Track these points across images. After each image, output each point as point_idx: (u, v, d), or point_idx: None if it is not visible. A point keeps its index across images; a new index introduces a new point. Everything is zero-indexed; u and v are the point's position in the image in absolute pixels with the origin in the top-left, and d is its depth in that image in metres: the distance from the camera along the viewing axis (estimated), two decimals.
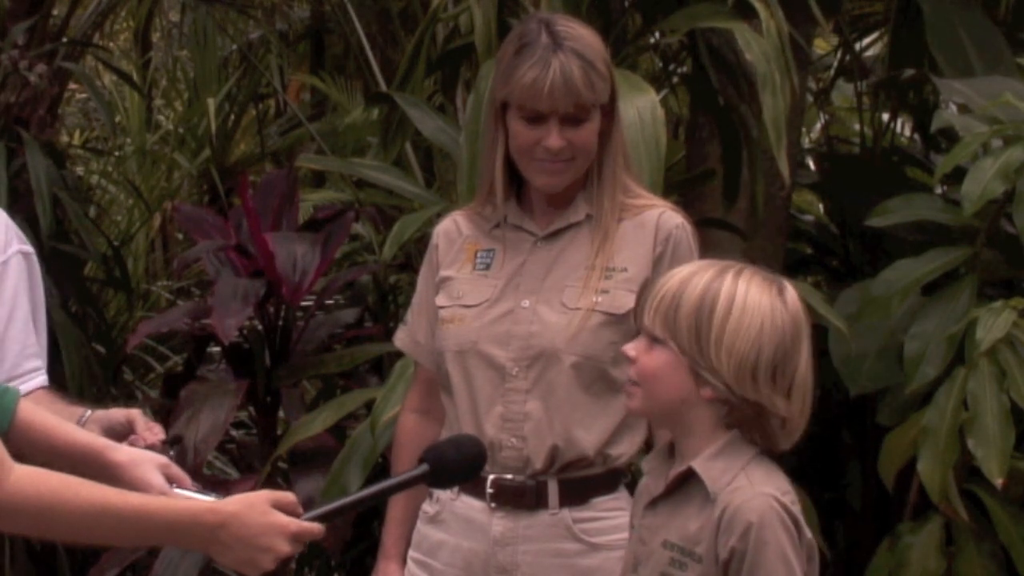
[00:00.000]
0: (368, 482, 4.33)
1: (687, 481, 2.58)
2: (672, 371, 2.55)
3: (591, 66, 3.13)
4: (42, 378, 3.16)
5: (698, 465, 2.55)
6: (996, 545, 4.45)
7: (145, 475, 2.67)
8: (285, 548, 2.41)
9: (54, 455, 2.76)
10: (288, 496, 2.45)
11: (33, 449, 2.77)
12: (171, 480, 2.68)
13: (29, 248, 3.18)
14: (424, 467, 2.61)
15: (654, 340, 2.58)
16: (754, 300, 2.53)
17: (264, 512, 2.41)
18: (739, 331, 2.51)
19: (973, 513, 4.43)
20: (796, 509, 2.53)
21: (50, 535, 2.46)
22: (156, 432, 3.00)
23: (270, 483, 4.72)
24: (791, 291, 2.58)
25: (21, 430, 2.75)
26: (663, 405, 2.59)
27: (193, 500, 2.51)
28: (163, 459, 2.73)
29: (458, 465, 2.71)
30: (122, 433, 3.00)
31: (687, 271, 2.60)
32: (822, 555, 2.62)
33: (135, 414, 3.03)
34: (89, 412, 3.06)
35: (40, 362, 3.17)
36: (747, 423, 2.56)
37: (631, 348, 2.62)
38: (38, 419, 2.77)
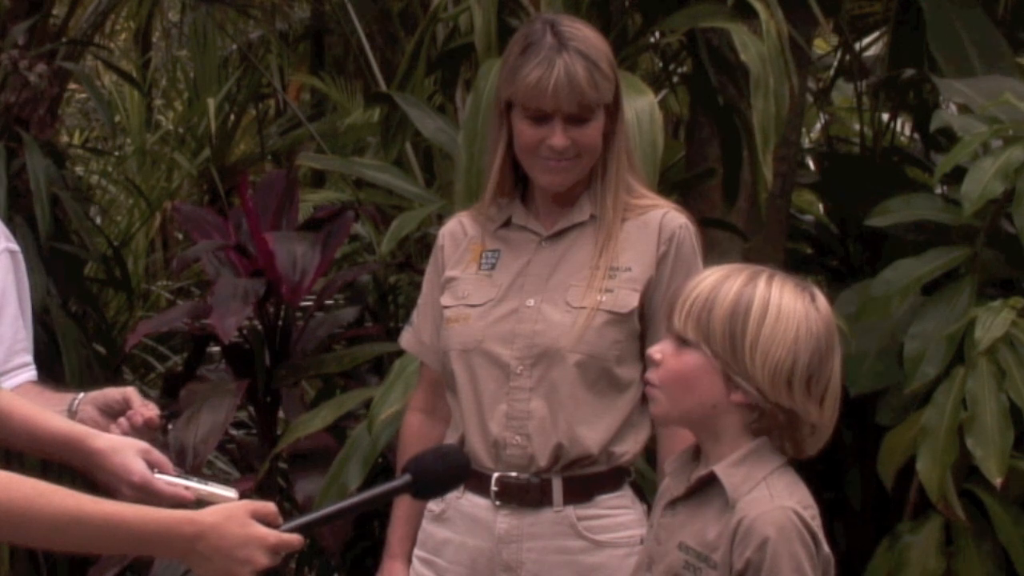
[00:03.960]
0: (367, 481, 4.33)
1: (708, 485, 2.56)
2: (703, 374, 2.52)
3: (595, 66, 3.15)
4: (31, 372, 3.17)
5: (720, 471, 2.53)
6: (995, 545, 4.45)
7: (126, 461, 2.65)
8: (264, 560, 2.37)
9: (35, 444, 2.76)
10: (268, 507, 2.41)
11: (15, 439, 2.76)
12: (153, 465, 2.67)
13: (15, 246, 3.19)
14: (407, 477, 2.59)
15: (683, 343, 2.54)
16: (789, 306, 2.50)
17: (243, 523, 2.37)
18: (775, 337, 2.48)
19: (972, 513, 4.44)
20: (816, 524, 2.50)
21: (21, 542, 2.43)
22: (151, 408, 3.01)
23: (269, 482, 4.72)
24: (822, 298, 2.56)
25: (2, 420, 2.74)
26: (691, 409, 2.56)
27: (170, 511, 2.48)
28: (144, 444, 2.70)
29: (441, 476, 2.69)
30: (119, 411, 3.01)
31: (719, 275, 2.56)
32: None
33: (131, 391, 3.04)
34: (82, 394, 3.06)
35: (29, 357, 3.18)
36: (778, 430, 2.54)
37: (657, 351, 2.58)
38: (18, 409, 2.76)
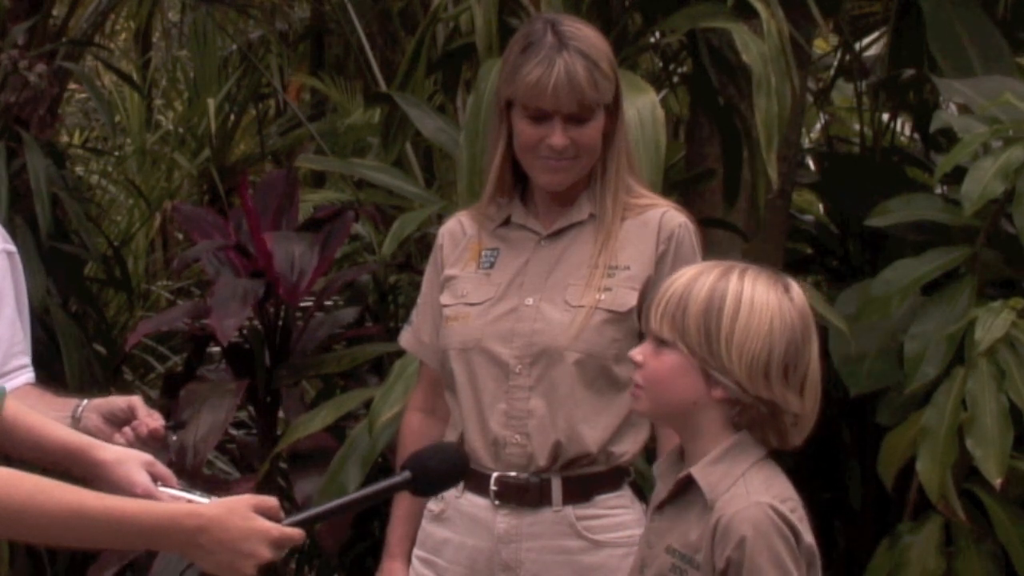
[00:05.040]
0: (367, 482, 4.33)
1: (689, 486, 2.57)
2: (682, 373, 2.54)
3: (595, 66, 3.15)
4: (29, 374, 3.16)
5: (697, 472, 2.55)
6: (995, 545, 4.45)
7: (129, 473, 2.65)
8: (267, 553, 2.37)
9: (39, 453, 2.75)
10: (270, 500, 2.42)
11: (19, 448, 2.76)
12: (156, 478, 2.66)
13: (13, 248, 3.18)
14: (406, 474, 2.60)
15: (661, 343, 2.56)
16: (761, 298, 2.52)
17: (245, 516, 2.38)
18: (749, 329, 2.50)
19: (972, 513, 4.44)
20: (795, 516, 2.51)
21: (26, 539, 2.43)
22: (157, 418, 3.00)
23: (269, 482, 4.72)
24: (797, 288, 2.58)
25: (6, 429, 2.73)
26: (672, 407, 2.58)
27: (173, 504, 2.48)
28: (148, 457, 2.70)
29: (440, 473, 2.70)
30: (124, 419, 3.01)
31: (691, 273, 2.59)
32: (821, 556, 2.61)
33: (136, 400, 3.04)
34: (86, 401, 3.06)
35: (27, 359, 3.17)
36: (760, 422, 2.55)
37: (638, 353, 2.60)
38: (22, 417, 2.75)
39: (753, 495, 2.50)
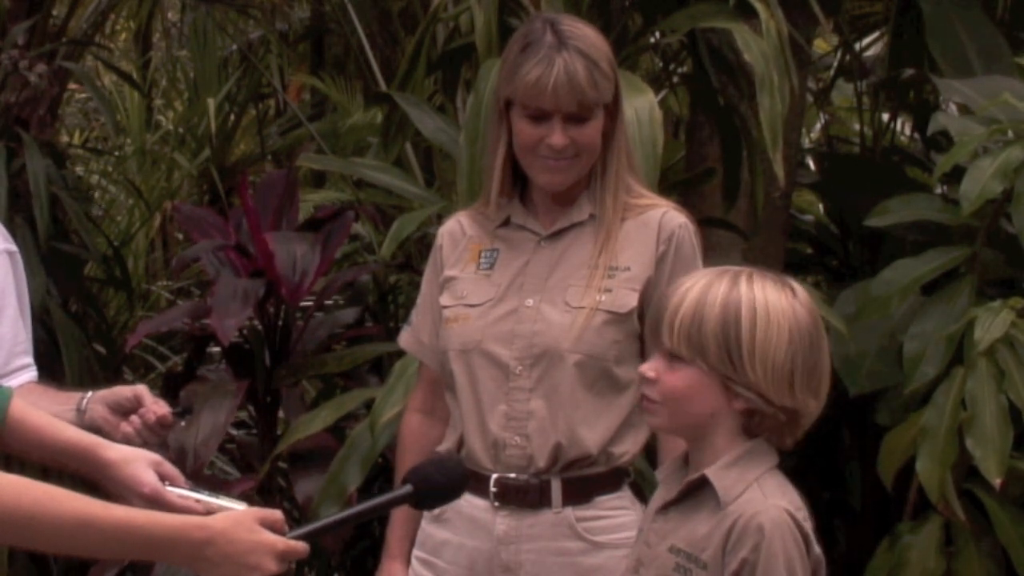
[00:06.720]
0: (367, 482, 4.33)
1: (699, 488, 2.57)
2: (703, 388, 2.53)
3: (595, 65, 3.15)
4: (32, 373, 3.17)
5: (711, 473, 2.54)
6: (995, 545, 4.45)
7: (137, 472, 2.64)
8: (272, 566, 2.37)
9: (46, 453, 2.75)
10: (275, 514, 2.42)
11: (26, 447, 2.75)
12: (164, 478, 2.65)
13: (13, 247, 3.19)
14: (408, 488, 2.61)
15: (673, 357, 2.55)
16: (775, 306, 2.51)
17: (251, 529, 2.38)
18: (769, 342, 2.49)
19: (972, 513, 4.44)
20: (807, 525, 2.52)
21: (32, 546, 2.42)
22: (163, 405, 3.00)
23: (270, 483, 4.72)
24: (801, 289, 2.58)
25: (13, 429, 2.73)
26: (692, 420, 2.57)
27: (180, 516, 2.47)
28: (156, 457, 2.70)
29: (441, 487, 2.70)
30: (129, 409, 3.01)
31: (700, 285, 2.55)
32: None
33: (142, 389, 3.03)
34: (91, 392, 3.06)
35: (29, 358, 3.18)
36: (778, 428, 2.55)
37: (650, 369, 2.58)
38: (30, 417, 2.75)
39: (770, 498, 2.51)
